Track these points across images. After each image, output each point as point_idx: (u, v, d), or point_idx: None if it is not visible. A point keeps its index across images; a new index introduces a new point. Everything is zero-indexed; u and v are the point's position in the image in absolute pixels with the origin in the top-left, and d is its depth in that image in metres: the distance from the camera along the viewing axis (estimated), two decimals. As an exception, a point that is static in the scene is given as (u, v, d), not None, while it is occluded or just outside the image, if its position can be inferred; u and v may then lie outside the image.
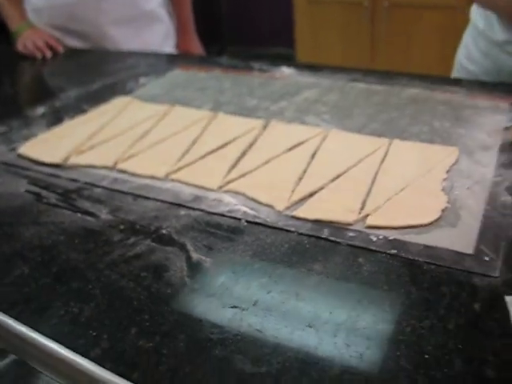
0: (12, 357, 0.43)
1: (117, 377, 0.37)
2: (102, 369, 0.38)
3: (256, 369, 0.40)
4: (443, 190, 0.61)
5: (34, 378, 0.42)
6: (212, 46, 4.17)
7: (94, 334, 0.45)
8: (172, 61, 1.16)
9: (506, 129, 0.75)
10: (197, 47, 1.54)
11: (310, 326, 0.44)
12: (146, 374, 0.41)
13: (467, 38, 1.11)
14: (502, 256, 0.51)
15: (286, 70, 1.00)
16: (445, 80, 0.91)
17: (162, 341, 0.44)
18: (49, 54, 1.31)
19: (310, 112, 0.82)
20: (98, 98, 0.95)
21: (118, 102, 0.90)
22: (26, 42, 1.33)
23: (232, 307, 0.46)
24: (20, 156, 0.77)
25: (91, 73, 1.12)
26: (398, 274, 0.49)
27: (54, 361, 0.41)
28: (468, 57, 1.09)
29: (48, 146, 0.77)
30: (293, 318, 0.45)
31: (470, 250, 0.52)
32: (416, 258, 0.51)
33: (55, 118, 0.89)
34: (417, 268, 0.50)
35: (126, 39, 1.39)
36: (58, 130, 0.83)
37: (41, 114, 0.92)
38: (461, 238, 0.53)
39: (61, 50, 1.34)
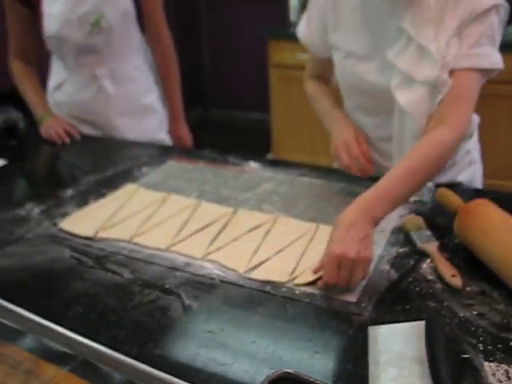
0: (79, 359, 0.75)
1: (143, 364, 0.70)
2: (136, 362, 0.70)
3: (223, 359, 0.73)
4: (346, 261, 0.95)
5: (94, 370, 0.73)
6: (197, 108, 4.57)
7: (127, 347, 0.77)
8: (167, 152, 1.50)
9: (400, 216, 1.09)
10: (185, 133, 1.88)
11: (253, 342, 0.76)
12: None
13: None
14: (372, 303, 0.84)
15: (252, 165, 1.35)
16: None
17: (168, 350, 0.76)
18: (67, 140, 1.63)
19: (267, 201, 1.16)
20: (113, 183, 1.29)
21: (128, 190, 1.24)
22: (48, 130, 1.64)
23: (208, 332, 0.79)
24: (61, 230, 1.09)
25: (104, 160, 1.45)
26: (309, 314, 0.82)
27: (107, 359, 0.73)
28: None
29: (81, 222, 1.10)
30: (243, 339, 0.78)
31: (354, 300, 0.85)
32: (321, 305, 0.84)
33: (81, 200, 1.22)
34: (321, 310, 0.83)
35: (128, 128, 1.74)
36: (86, 210, 1.16)
37: (70, 195, 1.25)
38: (350, 293, 0.87)
39: (78, 137, 1.66)
